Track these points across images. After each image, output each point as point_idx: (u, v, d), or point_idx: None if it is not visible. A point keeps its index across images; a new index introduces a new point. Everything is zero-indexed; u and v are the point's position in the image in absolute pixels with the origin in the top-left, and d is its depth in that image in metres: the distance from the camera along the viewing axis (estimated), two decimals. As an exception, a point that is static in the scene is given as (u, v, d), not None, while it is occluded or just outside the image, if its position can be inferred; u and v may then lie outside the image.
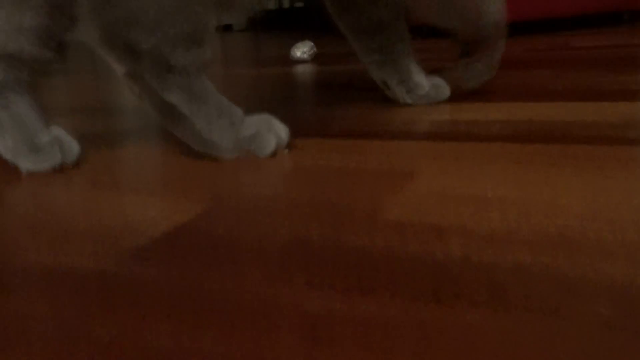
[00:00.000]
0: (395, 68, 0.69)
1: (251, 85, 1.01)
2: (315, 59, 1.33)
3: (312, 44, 1.34)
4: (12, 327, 0.27)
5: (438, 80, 0.71)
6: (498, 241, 0.31)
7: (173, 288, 0.30)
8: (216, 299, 0.28)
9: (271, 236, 0.35)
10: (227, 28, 3.62)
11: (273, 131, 0.53)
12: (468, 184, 0.40)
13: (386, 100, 0.73)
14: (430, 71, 0.72)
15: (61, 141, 0.54)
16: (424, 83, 0.69)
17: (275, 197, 0.41)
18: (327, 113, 0.70)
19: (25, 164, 0.52)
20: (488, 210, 0.35)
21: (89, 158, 0.58)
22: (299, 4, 3.34)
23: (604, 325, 0.23)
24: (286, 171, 0.48)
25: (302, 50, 1.32)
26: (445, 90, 0.70)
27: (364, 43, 0.70)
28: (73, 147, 0.54)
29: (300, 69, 1.20)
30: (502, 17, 0.70)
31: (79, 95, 1.10)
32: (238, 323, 0.26)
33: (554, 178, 0.40)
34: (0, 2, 0.51)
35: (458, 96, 0.72)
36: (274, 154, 0.52)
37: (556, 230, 0.32)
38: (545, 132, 0.52)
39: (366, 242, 0.32)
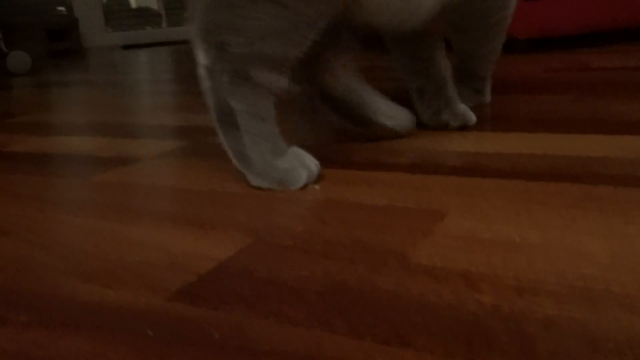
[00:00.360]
0: (441, 93, 0.72)
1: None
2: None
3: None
4: (79, 368, 0.29)
5: (463, 106, 0.73)
6: (526, 291, 0.33)
7: (221, 329, 0.32)
8: (262, 343, 0.30)
9: (310, 278, 0.37)
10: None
11: (305, 165, 0.55)
12: (495, 227, 0.42)
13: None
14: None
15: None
16: (463, 107, 0.73)
17: (309, 235, 0.44)
18: (354, 140, 0.72)
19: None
20: (515, 257, 0.37)
21: (125, 186, 0.60)
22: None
23: (629, 386, 0.25)
24: (318, 206, 0.50)
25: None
26: (473, 116, 0.73)
27: (410, 68, 0.73)
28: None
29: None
30: None
31: (102, 112, 1.13)
32: (287, 371, 0.28)
33: (578, 222, 0.42)
34: None
35: (481, 121, 0.74)
36: (303, 187, 0.54)
37: (581, 281, 0.34)
38: (567, 169, 0.53)
39: (401, 288, 0.35)
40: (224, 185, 0.57)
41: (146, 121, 0.98)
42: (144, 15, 4.19)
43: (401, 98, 0.72)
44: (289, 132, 0.59)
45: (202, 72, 0.56)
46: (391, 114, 0.69)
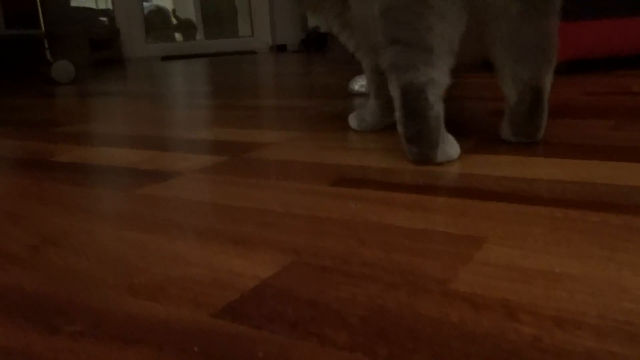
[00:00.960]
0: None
1: (308, 119, 1.04)
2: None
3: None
4: (130, 380, 0.31)
5: None
6: (567, 323, 0.33)
7: (265, 349, 0.33)
8: (307, 365, 0.31)
9: (350, 300, 0.38)
10: (281, 48, 3.69)
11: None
12: (534, 255, 0.42)
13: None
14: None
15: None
16: None
17: (349, 256, 0.44)
18: (390, 160, 0.73)
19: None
20: (556, 288, 0.37)
21: (168, 200, 0.62)
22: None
23: None
24: (357, 227, 0.51)
25: (360, 83, 1.35)
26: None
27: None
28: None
29: (358, 103, 1.23)
30: None
31: (142, 124, 1.16)
32: (330, 393, 0.28)
33: (619, 254, 0.42)
34: None
35: (520, 146, 0.74)
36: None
37: (623, 315, 0.34)
38: (608, 198, 0.53)
39: (441, 314, 0.35)
40: (263, 203, 0.59)
41: (185, 135, 1.00)
42: (183, 28, 4.28)
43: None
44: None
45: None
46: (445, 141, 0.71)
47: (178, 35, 4.32)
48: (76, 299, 0.40)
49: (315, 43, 3.37)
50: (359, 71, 1.18)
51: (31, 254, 0.49)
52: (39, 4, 2.24)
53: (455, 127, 0.89)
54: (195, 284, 0.41)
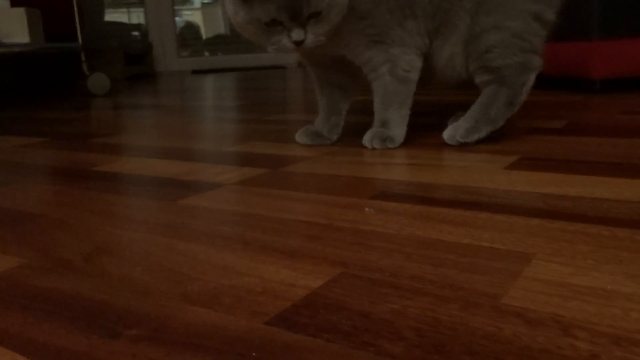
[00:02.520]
0: None
1: (340, 133, 1.05)
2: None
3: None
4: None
5: None
6: (624, 341, 0.33)
7: (321, 357, 0.33)
8: (365, 375, 0.31)
9: (402, 313, 0.38)
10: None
11: None
12: (584, 273, 0.42)
13: (483, 161, 0.76)
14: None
15: None
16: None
17: (396, 269, 0.45)
18: (429, 175, 0.73)
19: None
20: (609, 306, 0.37)
21: (211, 210, 0.63)
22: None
23: None
24: (401, 241, 0.51)
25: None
26: None
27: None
28: None
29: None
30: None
31: (177, 136, 1.18)
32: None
33: (671, 273, 0.42)
34: None
35: (562, 163, 0.74)
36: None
37: (680, 334, 0.34)
38: (655, 218, 0.53)
39: (494, 329, 0.35)
40: (306, 215, 0.59)
41: (221, 148, 1.02)
42: (214, 43, 4.35)
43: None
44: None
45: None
46: None
47: (208, 50, 4.38)
48: (133, 306, 0.41)
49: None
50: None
51: (86, 262, 0.50)
52: (77, 19, 2.30)
53: (499, 143, 0.89)
54: (248, 292, 0.42)
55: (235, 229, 0.57)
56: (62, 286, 0.45)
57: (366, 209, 0.60)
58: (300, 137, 0.99)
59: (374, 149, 0.91)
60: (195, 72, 3.73)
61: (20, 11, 2.07)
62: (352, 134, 1.03)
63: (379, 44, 0.87)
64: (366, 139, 0.92)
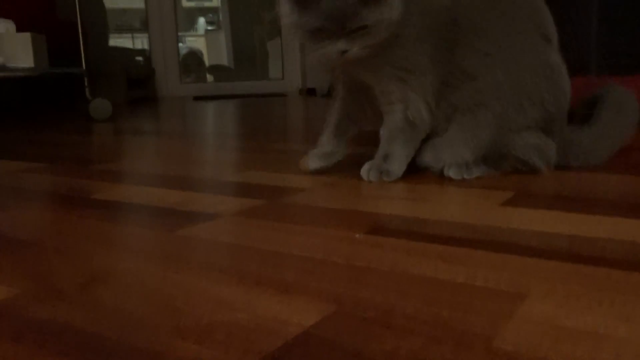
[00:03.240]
0: None
1: (340, 164, 1.06)
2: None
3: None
4: None
5: None
6: (615, 387, 0.33)
7: (312, 399, 0.33)
8: (355, 418, 0.31)
9: (394, 353, 0.38)
10: (311, 92, 3.76)
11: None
12: (577, 315, 0.42)
13: (480, 196, 0.76)
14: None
15: None
16: None
17: (390, 307, 0.45)
18: (425, 210, 0.73)
19: None
20: (601, 349, 0.37)
21: (209, 242, 0.63)
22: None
23: None
24: (397, 277, 0.51)
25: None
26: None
27: None
28: None
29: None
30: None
31: (178, 164, 1.19)
32: None
33: (664, 317, 0.42)
34: None
35: (557, 200, 0.74)
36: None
37: (672, 382, 0.34)
38: (649, 259, 0.53)
39: (486, 372, 0.35)
40: (302, 249, 0.60)
41: (220, 177, 1.02)
42: (215, 70, 4.39)
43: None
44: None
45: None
46: None
47: (210, 76, 4.43)
48: (126, 340, 0.41)
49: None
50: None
51: (80, 292, 0.50)
52: (81, 44, 2.33)
53: (496, 178, 0.89)
54: (241, 329, 0.42)
55: (231, 262, 0.57)
56: (55, 317, 0.45)
57: (356, 235, 0.61)
58: (313, 162, 0.99)
59: (370, 181, 0.91)
60: (197, 98, 3.76)
61: (26, 36, 2.10)
62: (351, 165, 1.04)
63: (403, 82, 0.89)
64: (364, 171, 0.92)
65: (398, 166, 0.92)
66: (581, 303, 0.44)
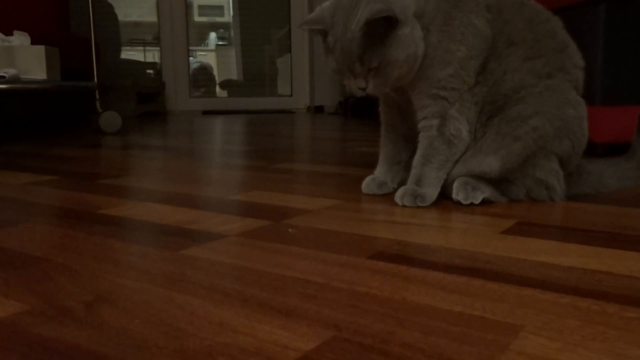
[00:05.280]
0: None
1: (345, 187, 1.07)
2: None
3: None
4: None
5: None
6: None
7: None
8: None
9: (390, 382, 0.39)
10: (319, 109, 3.78)
11: None
12: (571, 349, 0.43)
13: (481, 224, 0.77)
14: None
15: None
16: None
17: (387, 335, 0.46)
18: (427, 236, 0.74)
19: None
20: (592, 385, 0.38)
21: (213, 263, 0.65)
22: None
23: None
24: (395, 305, 0.52)
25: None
26: None
27: None
28: None
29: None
30: None
31: (185, 181, 1.20)
32: None
33: (656, 354, 0.42)
34: None
35: (557, 230, 0.75)
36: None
37: (659, 420, 0.34)
38: (645, 294, 0.54)
39: (479, 404, 0.36)
40: (304, 273, 0.61)
41: (226, 196, 1.04)
42: (225, 85, 4.43)
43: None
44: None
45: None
46: None
47: (221, 91, 4.47)
48: (130, 360, 0.42)
49: (353, 107, 3.45)
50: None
51: (86, 311, 0.51)
52: (94, 58, 2.36)
53: (498, 205, 0.91)
54: (242, 352, 0.43)
55: (234, 284, 0.58)
56: (62, 336, 0.46)
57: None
58: (368, 188, 1.03)
59: (404, 206, 0.92)
60: (206, 112, 3.79)
61: (40, 49, 2.13)
62: (353, 188, 1.05)
63: (441, 99, 0.90)
64: (398, 195, 0.93)
65: (432, 190, 0.92)
66: (575, 337, 0.45)
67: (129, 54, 4.24)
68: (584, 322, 0.48)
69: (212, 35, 4.89)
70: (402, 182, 0.97)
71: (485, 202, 0.92)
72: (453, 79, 0.89)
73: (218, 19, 4.87)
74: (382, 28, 0.84)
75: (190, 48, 4.15)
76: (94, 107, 2.38)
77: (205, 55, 4.82)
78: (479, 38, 0.89)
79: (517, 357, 0.42)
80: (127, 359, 0.42)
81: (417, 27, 0.86)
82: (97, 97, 2.37)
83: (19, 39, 2.18)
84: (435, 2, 0.89)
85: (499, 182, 0.92)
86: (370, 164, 1.06)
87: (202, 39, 4.79)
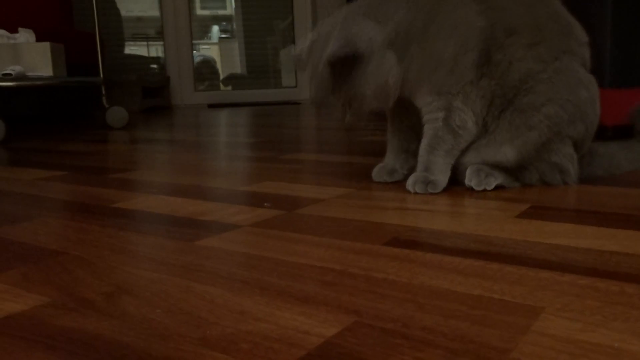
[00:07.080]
0: None
1: (355, 175, 1.07)
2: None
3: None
4: None
5: None
6: (630, 401, 0.34)
7: (335, 409, 0.35)
8: None
9: (414, 365, 0.39)
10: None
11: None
12: (592, 329, 0.43)
13: (495, 208, 0.77)
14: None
15: None
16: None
17: (408, 320, 0.46)
18: (441, 222, 0.74)
19: None
20: (616, 364, 0.38)
21: (229, 253, 0.65)
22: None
23: None
24: (414, 289, 0.52)
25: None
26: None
27: None
28: None
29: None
30: None
31: (195, 174, 1.20)
32: None
33: (678, 332, 0.42)
34: None
35: (572, 213, 0.75)
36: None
37: (686, 396, 0.34)
38: (664, 274, 0.54)
39: (504, 384, 0.36)
40: (321, 260, 0.61)
41: (237, 187, 1.04)
42: (229, 78, 4.43)
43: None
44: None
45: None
46: None
47: (225, 86, 4.46)
48: (154, 350, 0.43)
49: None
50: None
51: (107, 302, 0.52)
52: (99, 53, 2.36)
53: (512, 190, 0.90)
54: (264, 339, 0.44)
55: (252, 273, 0.58)
56: (84, 326, 0.47)
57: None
58: (378, 175, 1.03)
59: (416, 193, 0.92)
60: (212, 105, 3.79)
61: (45, 46, 2.13)
62: (364, 176, 1.05)
63: (444, 94, 0.90)
64: (409, 183, 0.93)
65: (442, 177, 0.92)
66: (596, 317, 0.45)
67: (133, 49, 4.24)
68: (604, 302, 0.48)
69: (215, 29, 4.87)
70: (412, 169, 0.97)
71: (497, 187, 0.92)
72: (450, 76, 0.88)
73: (220, 12, 4.85)
74: (349, 64, 0.84)
75: (194, 42, 4.14)
76: (100, 103, 2.38)
77: (209, 49, 4.81)
78: (471, 30, 0.88)
79: (539, 338, 0.42)
80: (151, 347, 0.43)
81: (387, 55, 0.86)
82: (104, 92, 2.37)
83: (24, 36, 2.19)
84: (410, 14, 0.88)
85: (513, 168, 0.92)
86: (378, 153, 1.06)
87: (204, 32, 4.78)
